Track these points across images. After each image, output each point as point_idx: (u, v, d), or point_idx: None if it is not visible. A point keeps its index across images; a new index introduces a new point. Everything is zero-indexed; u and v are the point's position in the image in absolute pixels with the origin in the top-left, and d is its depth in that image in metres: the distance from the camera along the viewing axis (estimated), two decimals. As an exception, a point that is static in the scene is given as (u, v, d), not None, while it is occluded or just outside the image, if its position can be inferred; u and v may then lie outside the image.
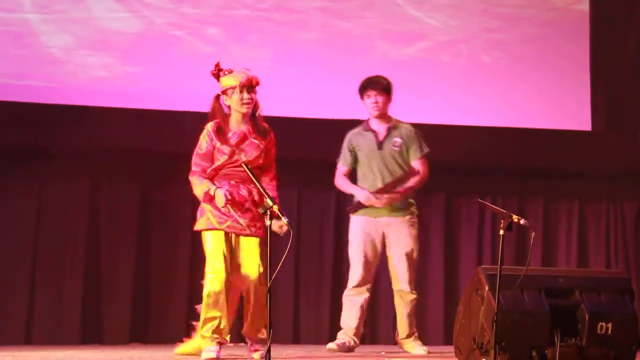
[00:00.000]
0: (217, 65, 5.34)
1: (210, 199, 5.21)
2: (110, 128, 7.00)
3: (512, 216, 4.73)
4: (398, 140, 6.10)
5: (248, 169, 5.02)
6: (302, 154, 7.04)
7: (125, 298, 7.13)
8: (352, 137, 6.17)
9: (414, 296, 6.07)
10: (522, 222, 4.74)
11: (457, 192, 7.73)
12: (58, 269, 7.17)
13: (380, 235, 6.04)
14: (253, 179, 4.99)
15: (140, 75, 7.16)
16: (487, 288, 4.79)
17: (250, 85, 5.28)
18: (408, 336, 6.05)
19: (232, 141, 5.27)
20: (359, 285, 6.02)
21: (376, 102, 6.10)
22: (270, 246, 4.68)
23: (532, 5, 7.72)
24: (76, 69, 7.13)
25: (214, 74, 5.35)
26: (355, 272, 6.02)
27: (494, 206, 5.06)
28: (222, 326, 5.17)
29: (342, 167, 6.20)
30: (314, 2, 7.46)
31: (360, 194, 6.03)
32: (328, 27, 7.46)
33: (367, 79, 6.16)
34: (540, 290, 4.86)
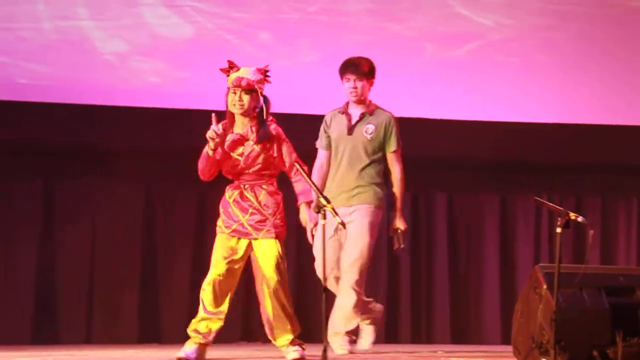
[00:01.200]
0: (229, 62, 5.25)
1: (207, 157, 5.15)
2: (164, 130, 7.05)
3: (569, 214, 4.66)
4: (371, 127, 5.73)
5: (300, 168, 5.01)
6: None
7: (183, 297, 7.13)
8: (328, 118, 5.83)
9: None
10: (579, 219, 4.67)
11: (512, 190, 7.65)
12: (116, 269, 7.23)
13: None
14: (305, 178, 4.97)
15: (192, 79, 7.19)
16: (545, 287, 4.74)
17: (239, 87, 5.18)
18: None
19: (227, 144, 5.19)
20: None
21: (355, 87, 5.74)
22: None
23: (588, 3, 7.62)
24: (129, 74, 7.19)
25: (224, 71, 5.28)
26: None
27: (550, 204, 5.00)
28: (209, 327, 5.14)
29: (321, 151, 5.82)
30: (362, 4, 7.44)
31: (308, 217, 5.36)
32: (377, 30, 7.43)
33: (348, 60, 5.81)
34: (600, 289, 4.80)
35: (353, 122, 5.75)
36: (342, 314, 5.65)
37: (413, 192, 7.49)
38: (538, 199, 5.15)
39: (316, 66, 7.20)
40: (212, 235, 5.22)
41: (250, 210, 5.18)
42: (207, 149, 5.13)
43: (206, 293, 5.13)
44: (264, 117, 5.21)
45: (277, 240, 5.14)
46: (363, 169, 5.70)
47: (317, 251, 5.57)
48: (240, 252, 5.19)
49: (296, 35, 7.35)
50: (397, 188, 5.79)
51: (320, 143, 5.82)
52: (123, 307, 7.21)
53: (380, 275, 7.40)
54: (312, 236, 5.50)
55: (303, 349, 5.18)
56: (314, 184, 4.93)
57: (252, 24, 7.33)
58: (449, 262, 7.54)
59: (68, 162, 7.19)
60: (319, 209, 4.77)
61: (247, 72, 5.19)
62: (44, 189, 7.23)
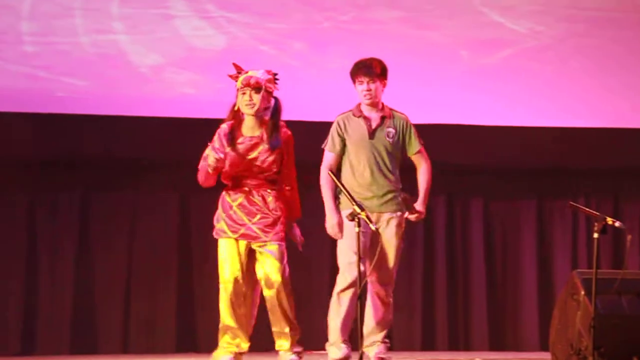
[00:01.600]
0: (236, 66, 5.29)
1: (207, 173, 5.18)
2: (199, 139, 7.09)
3: (606, 219, 4.64)
4: (392, 130, 5.51)
5: (333, 175, 5.03)
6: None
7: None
8: (341, 121, 5.56)
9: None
10: (617, 224, 4.65)
11: (549, 196, 7.59)
12: (152, 278, 7.28)
13: None
14: (337, 183, 4.99)
15: (226, 89, 7.22)
16: (583, 292, 4.73)
17: (248, 86, 5.19)
18: None
19: (242, 147, 5.20)
20: None
21: (369, 90, 5.50)
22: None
23: (622, 8, 7.58)
24: (164, 85, 7.25)
25: (233, 77, 5.30)
26: None
27: (586, 209, 4.97)
28: (238, 336, 5.16)
29: (329, 154, 5.53)
30: (396, 12, 7.44)
31: (329, 219, 5.40)
32: (411, 37, 7.42)
33: (360, 62, 5.59)
34: (638, 294, 4.76)
35: (374, 125, 5.52)
36: (381, 322, 5.61)
37: (448, 198, 7.48)
38: (574, 204, 5.13)
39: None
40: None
41: (259, 215, 5.19)
42: (208, 167, 5.15)
43: (227, 303, 5.16)
44: (278, 120, 5.23)
45: (282, 244, 5.16)
46: (391, 173, 5.51)
47: (345, 256, 5.39)
48: (249, 256, 5.21)
49: (329, 44, 7.37)
50: (425, 179, 5.58)
51: (332, 147, 5.54)
52: (160, 316, 7.25)
53: (416, 282, 7.39)
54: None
55: (300, 357, 5.19)
56: (348, 192, 4.94)
57: (285, 34, 7.36)
58: (486, 268, 7.50)
59: (104, 173, 7.25)
60: (353, 216, 4.78)
61: (255, 73, 5.23)
62: (82, 200, 7.28)
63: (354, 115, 5.57)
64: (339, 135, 5.53)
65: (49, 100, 7.11)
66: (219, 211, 5.28)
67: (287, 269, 5.18)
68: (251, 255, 5.22)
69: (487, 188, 7.53)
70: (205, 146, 5.22)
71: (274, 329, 5.21)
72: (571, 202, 5.29)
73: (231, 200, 5.24)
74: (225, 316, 5.17)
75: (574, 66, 7.52)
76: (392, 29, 7.42)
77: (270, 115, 5.24)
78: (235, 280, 5.14)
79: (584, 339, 4.61)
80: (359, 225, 4.79)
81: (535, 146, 6.92)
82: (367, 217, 4.83)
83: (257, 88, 5.16)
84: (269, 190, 5.21)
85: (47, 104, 7.11)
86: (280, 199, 5.22)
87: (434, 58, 7.39)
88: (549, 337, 5.01)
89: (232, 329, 5.16)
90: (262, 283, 5.20)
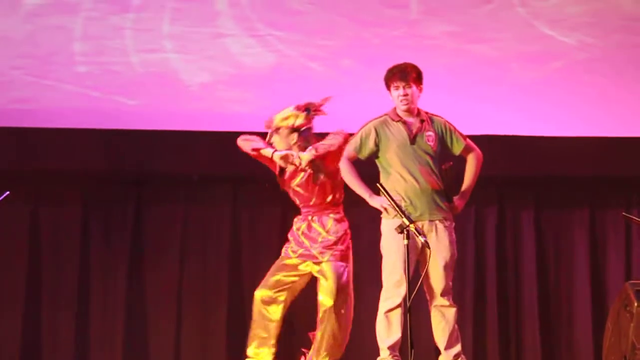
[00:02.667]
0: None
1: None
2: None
3: (659, 229, 4.57)
4: (432, 134, 5.45)
5: (382, 188, 5.02)
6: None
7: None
8: (379, 128, 5.47)
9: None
10: (671, 235, 4.58)
11: (602, 205, 7.47)
12: (203, 293, 7.32)
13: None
14: (385, 195, 4.98)
15: (275, 106, 7.27)
16: (636, 304, 4.67)
17: (270, 128, 5.48)
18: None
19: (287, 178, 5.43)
20: None
21: (405, 95, 5.44)
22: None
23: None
24: (214, 103, 7.31)
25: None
26: None
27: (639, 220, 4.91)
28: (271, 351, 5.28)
29: (352, 153, 5.47)
30: (444, 27, 7.43)
31: (373, 201, 5.32)
32: (460, 52, 7.40)
33: (394, 67, 5.55)
34: (693, 305, 4.68)
35: (415, 130, 5.45)
36: (453, 335, 5.50)
37: (499, 209, 7.42)
38: (627, 215, 5.06)
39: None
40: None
41: (320, 239, 5.34)
42: (271, 154, 5.32)
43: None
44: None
45: (337, 263, 5.19)
46: (437, 177, 5.45)
47: (391, 274, 5.34)
48: (300, 271, 5.25)
49: (379, 60, 7.37)
50: (472, 170, 5.52)
51: (359, 150, 5.48)
52: (211, 330, 7.27)
53: (467, 294, 7.33)
54: None
55: None
56: (396, 203, 4.92)
57: (334, 51, 7.38)
58: (537, 279, 7.40)
59: (156, 188, 7.33)
60: (402, 229, 4.77)
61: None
62: (135, 215, 7.33)
63: (392, 120, 5.49)
64: (375, 144, 5.44)
65: (98, 118, 7.20)
66: (289, 236, 5.56)
67: (347, 289, 5.23)
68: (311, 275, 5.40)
69: (538, 198, 7.45)
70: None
71: (318, 349, 5.29)
72: (624, 213, 5.20)
73: (296, 229, 5.49)
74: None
75: (625, 76, 7.43)
76: (442, 44, 7.40)
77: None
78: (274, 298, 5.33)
79: (637, 350, 4.54)
80: (407, 238, 4.76)
81: (588, 156, 6.85)
82: (416, 229, 4.80)
83: (275, 129, 5.53)
84: (330, 215, 5.28)
85: (97, 122, 7.20)
86: (341, 222, 5.30)
87: (483, 72, 7.36)
88: (602, 349, 4.93)
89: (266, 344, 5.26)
90: (319, 303, 5.32)
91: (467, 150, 5.55)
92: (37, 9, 7.20)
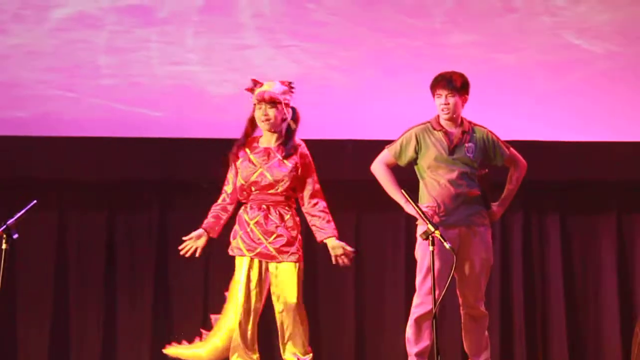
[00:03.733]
0: (253, 80, 5.33)
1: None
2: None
3: (686, 233, 4.53)
4: (472, 145, 5.38)
5: (406, 194, 5.01)
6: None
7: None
8: (420, 135, 5.41)
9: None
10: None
11: (629, 210, 7.40)
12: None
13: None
14: (409, 200, 4.96)
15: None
16: (663, 309, 4.61)
17: (263, 101, 5.18)
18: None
19: (256, 157, 5.22)
20: None
21: (447, 104, 5.36)
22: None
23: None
24: (238, 113, 7.32)
25: (249, 90, 5.31)
26: None
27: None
28: (247, 354, 5.17)
29: (391, 158, 5.43)
30: (468, 36, 7.42)
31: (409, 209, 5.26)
32: (484, 61, 7.39)
33: (440, 75, 5.47)
34: None
35: (455, 141, 5.41)
36: (483, 344, 5.48)
37: (525, 214, 7.37)
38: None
39: (422, 101, 7.21)
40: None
41: (276, 233, 5.18)
42: None
43: (242, 324, 5.19)
44: (292, 129, 5.24)
45: (298, 264, 5.15)
46: (473, 187, 5.40)
47: (424, 279, 5.30)
48: (264, 275, 5.21)
49: (401, 69, 7.38)
50: (513, 179, 5.54)
51: (398, 156, 5.45)
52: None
53: (493, 299, 7.28)
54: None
55: None
56: (420, 209, 4.91)
57: (357, 61, 7.39)
58: (564, 284, 7.33)
59: (179, 194, 7.33)
60: (427, 235, 4.75)
61: (270, 86, 5.24)
62: (160, 223, 7.34)
63: (433, 128, 5.44)
64: (415, 150, 5.42)
65: (122, 129, 7.25)
66: (237, 228, 5.29)
67: (301, 288, 5.18)
68: (267, 274, 5.24)
69: (564, 204, 7.41)
70: None
71: (291, 346, 5.22)
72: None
73: (249, 218, 5.24)
74: (240, 338, 5.18)
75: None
76: (465, 53, 7.38)
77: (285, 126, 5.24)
78: (245, 302, 5.20)
79: (665, 356, 4.50)
80: (433, 244, 4.75)
81: (614, 160, 6.81)
82: (442, 235, 4.78)
83: (271, 102, 5.15)
84: (286, 207, 5.20)
85: (122, 133, 7.25)
86: (296, 216, 5.22)
87: (507, 82, 7.35)
88: (631, 355, 4.89)
89: (242, 348, 5.16)
90: (278, 302, 5.21)
91: (511, 160, 5.54)
92: (62, 23, 7.26)
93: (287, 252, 5.18)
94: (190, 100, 7.33)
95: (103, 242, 7.29)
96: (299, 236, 5.23)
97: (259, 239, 5.19)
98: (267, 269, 5.23)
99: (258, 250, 5.19)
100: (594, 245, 7.40)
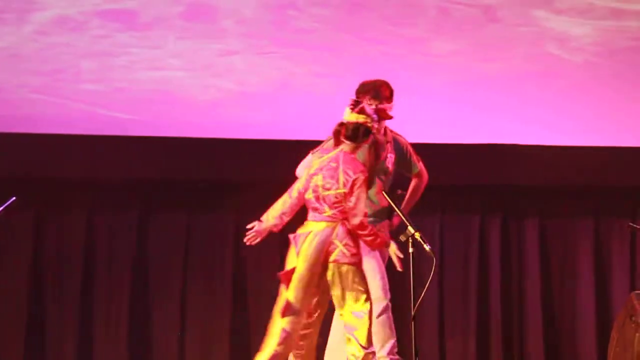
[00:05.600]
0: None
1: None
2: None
3: (665, 239, 4.56)
4: (392, 157, 5.34)
5: (387, 196, 5.02)
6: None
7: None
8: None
9: None
10: (676, 245, 4.56)
11: (607, 215, 7.46)
12: (207, 296, 7.31)
13: None
14: (391, 202, 4.98)
15: (281, 124, 7.30)
16: (641, 314, 4.63)
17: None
18: None
19: None
20: None
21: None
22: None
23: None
24: (220, 120, 7.34)
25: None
26: None
27: (644, 229, 4.90)
28: None
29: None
30: (450, 45, 7.43)
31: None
32: (466, 70, 7.41)
33: (367, 84, 5.38)
34: (699, 315, 4.65)
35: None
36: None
37: (504, 219, 7.41)
38: (633, 224, 5.05)
39: (407, 106, 7.24)
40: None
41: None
42: None
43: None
44: None
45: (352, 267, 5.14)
46: (384, 197, 5.30)
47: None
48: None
49: (384, 77, 7.38)
50: (412, 195, 5.57)
51: None
52: (215, 332, 7.26)
53: (470, 304, 7.33)
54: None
55: None
56: (401, 211, 4.92)
57: (338, 67, 7.39)
58: (541, 289, 7.39)
59: (161, 195, 7.32)
60: (407, 237, 4.76)
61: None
62: (139, 222, 7.33)
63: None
64: None
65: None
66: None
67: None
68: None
69: (543, 208, 7.45)
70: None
71: None
72: (630, 223, 5.20)
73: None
74: None
75: (630, 88, 7.45)
76: (448, 61, 7.42)
77: None
78: None
79: (643, 361, 4.51)
80: (413, 246, 4.76)
81: (593, 165, 6.85)
82: (422, 237, 4.79)
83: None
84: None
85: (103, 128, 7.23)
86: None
87: (490, 86, 7.38)
88: (607, 359, 4.91)
89: None
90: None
91: (419, 174, 5.56)
92: (44, 27, 7.24)
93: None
94: (172, 105, 7.31)
95: (81, 243, 7.27)
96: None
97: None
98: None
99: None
100: (572, 250, 7.46)
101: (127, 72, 7.28)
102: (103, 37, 7.27)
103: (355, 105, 4.99)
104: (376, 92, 5.34)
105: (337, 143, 5.01)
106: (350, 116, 4.97)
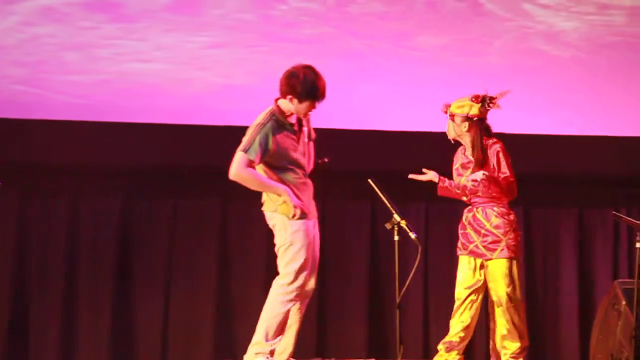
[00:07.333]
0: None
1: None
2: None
3: (648, 228, 4.57)
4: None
5: (373, 183, 5.00)
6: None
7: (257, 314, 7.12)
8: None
9: None
10: (659, 234, 4.58)
11: (590, 204, 7.51)
12: (191, 288, 7.29)
13: None
14: (376, 189, 4.96)
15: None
16: (624, 302, 4.65)
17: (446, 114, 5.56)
18: None
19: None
20: None
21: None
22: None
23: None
24: (205, 113, 7.32)
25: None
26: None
27: (629, 218, 4.91)
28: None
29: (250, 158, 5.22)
30: (436, 39, 7.43)
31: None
32: (454, 64, 7.41)
33: (324, 84, 5.16)
34: (681, 304, 4.65)
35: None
36: None
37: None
38: (617, 213, 5.07)
39: (392, 100, 7.23)
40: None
41: (483, 232, 5.32)
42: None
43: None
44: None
45: (508, 260, 5.19)
46: None
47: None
48: (479, 275, 5.34)
49: (370, 71, 7.39)
50: None
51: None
52: (198, 323, 7.25)
53: (451, 294, 7.31)
54: None
55: None
56: (388, 199, 4.90)
57: (325, 61, 7.26)
58: (525, 277, 7.40)
59: (143, 181, 7.31)
60: (393, 225, 4.75)
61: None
62: (122, 207, 7.32)
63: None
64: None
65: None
66: (459, 229, 5.52)
67: (517, 284, 5.32)
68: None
69: (526, 197, 7.44)
70: None
71: (503, 342, 5.37)
72: (614, 212, 5.24)
73: (464, 219, 5.48)
74: None
75: (614, 79, 7.48)
76: (434, 55, 7.41)
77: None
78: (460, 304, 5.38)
79: (624, 349, 4.52)
80: (399, 234, 4.77)
81: (576, 154, 6.87)
82: (407, 225, 4.81)
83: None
84: (494, 208, 5.33)
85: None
86: (505, 215, 5.38)
87: (477, 80, 7.35)
88: (589, 347, 4.90)
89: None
90: (492, 298, 5.39)
91: None
92: (28, 18, 7.20)
93: (495, 249, 5.32)
94: (157, 98, 7.28)
95: (65, 229, 7.25)
96: (511, 233, 5.36)
97: (472, 237, 5.41)
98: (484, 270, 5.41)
99: (470, 248, 5.40)
100: (555, 238, 7.50)
101: (111, 63, 7.25)
102: (88, 28, 7.23)
103: None
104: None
105: None
106: None
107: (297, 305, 5.13)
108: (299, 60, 5.39)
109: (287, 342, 5.19)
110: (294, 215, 4.97)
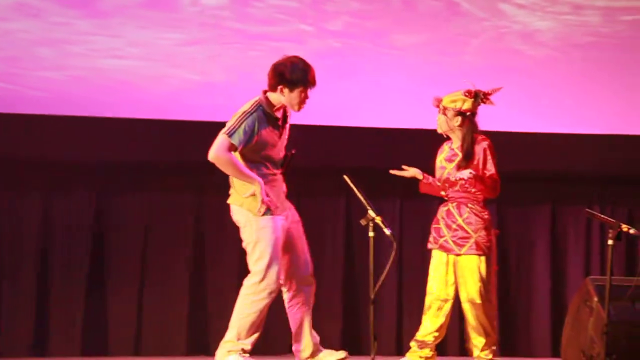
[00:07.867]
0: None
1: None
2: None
3: (621, 225, 4.62)
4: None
5: (349, 179, 4.99)
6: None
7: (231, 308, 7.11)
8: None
9: None
10: (631, 231, 4.62)
11: (563, 201, 7.54)
12: (164, 280, 7.27)
13: None
14: (351, 186, 4.95)
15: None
16: (596, 299, 4.68)
17: (438, 108, 5.60)
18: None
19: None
20: None
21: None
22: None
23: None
24: (182, 109, 7.29)
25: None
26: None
27: (602, 215, 4.93)
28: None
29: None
30: (413, 38, 7.44)
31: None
32: (430, 63, 7.43)
33: (313, 70, 5.31)
34: (652, 302, 4.70)
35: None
36: None
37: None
38: (590, 210, 5.11)
39: (369, 99, 7.23)
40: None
41: (454, 227, 5.34)
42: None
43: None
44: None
45: (479, 257, 5.18)
46: None
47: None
48: (452, 271, 5.34)
49: (347, 69, 7.38)
50: None
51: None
52: (172, 317, 7.23)
53: (423, 290, 7.35)
54: None
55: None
56: (364, 195, 4.90)
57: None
58: (499, 274, 7.42)
59: (118, 176, 7.28)
60: (368, 221, 4.75)
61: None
62: (97, 203, 7.29)
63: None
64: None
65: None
66: (432, 223, 5.52)
67: (489, 281, 5.34)
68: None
69: (500, 193, 7.48)
70: None
71: (472, 338, 5.41)
72: (587, 209, 5.26)
73: (439, 214, 5.49)
74: None
75: (589, 78, 7.52)
76: (407, 55, 7.42)
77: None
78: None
79: (596, 345, 4.54)
80: (373, 230, 4.77)
81: (549, 152, 6.90)
82: (382, 221, 4.81)
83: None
84: (469, 205, 5.38)
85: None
86: (479, 213, 5.39)
87: (453, 80, 7.37)
88: (560, 343, 4.92)
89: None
90: (462, 295, 5.40)
91: None
92: (1, 13, 7.14)
93: (464, 245, 5.34)
94: (131, 94, 7.24)
95: (37, 224, 7.21)
96: (482, 231, 5.36)
97: (442, 232, 5.42)
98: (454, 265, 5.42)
99: (440, 242, 5.41)
100: (528, 236, 7.53)
101: (85, 60, 7.20)
102: (61, 24, 7.19)
103: None
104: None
105: None
106: None
107: (300, 300, 5.14)
108: (275, 58, 5.41)
109: (305, 342, 5.21)
110: (259, 211, 4.96)
